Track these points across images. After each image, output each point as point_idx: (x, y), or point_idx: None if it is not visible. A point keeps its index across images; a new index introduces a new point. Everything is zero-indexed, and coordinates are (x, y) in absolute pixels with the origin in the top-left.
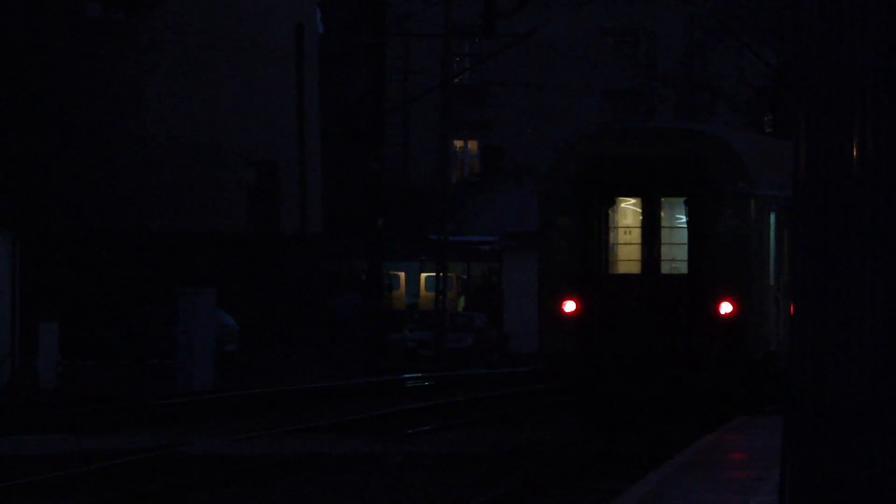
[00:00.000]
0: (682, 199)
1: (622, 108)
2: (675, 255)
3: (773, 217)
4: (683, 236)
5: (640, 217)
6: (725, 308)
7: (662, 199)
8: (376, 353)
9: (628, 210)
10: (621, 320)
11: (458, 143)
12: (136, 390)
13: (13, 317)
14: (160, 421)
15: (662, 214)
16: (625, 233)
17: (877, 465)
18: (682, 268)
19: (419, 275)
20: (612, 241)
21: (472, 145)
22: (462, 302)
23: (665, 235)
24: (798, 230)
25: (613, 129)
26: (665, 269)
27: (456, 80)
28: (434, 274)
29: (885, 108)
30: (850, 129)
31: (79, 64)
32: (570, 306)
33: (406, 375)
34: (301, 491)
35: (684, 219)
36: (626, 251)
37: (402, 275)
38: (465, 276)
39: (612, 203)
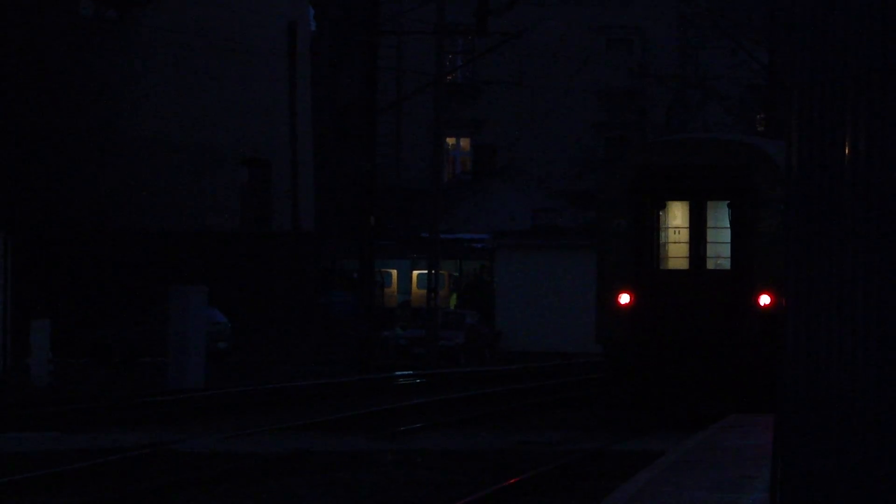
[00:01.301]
0: (725, 203)
1: (615, 106)
2: (720, 252)
3: None
4: (727, 236)
5: (688, 218)
6: (764, 300)
7: (708, 203)
8: (368, 351)
9: (677, 212)
10: (671, 311)
11: (451, 141)
12: (128, 388)
13: (5, 315)
14: (152, 419)
15: (708, 216)
16: (674, 232)
17: (867, 463)
18: (726, 264)
19: (411, 272)
20: (662, 240)
21: (465, 143)
22: (454, 299)
23: (710, 235)
24: (790, 229)
25: (664, 140)
26: (710, 265)
27: (448, 78)
28: (426, 271)
29: (877, 107)
30: (842, 128)
31: (71, 62)
32: (624, 299)
33: (398, 373)
34: (293, 489)
35: (727, 220)
36: (676, 249)
37: (394, 272)
38: (456, 274)
39: (662, 206)
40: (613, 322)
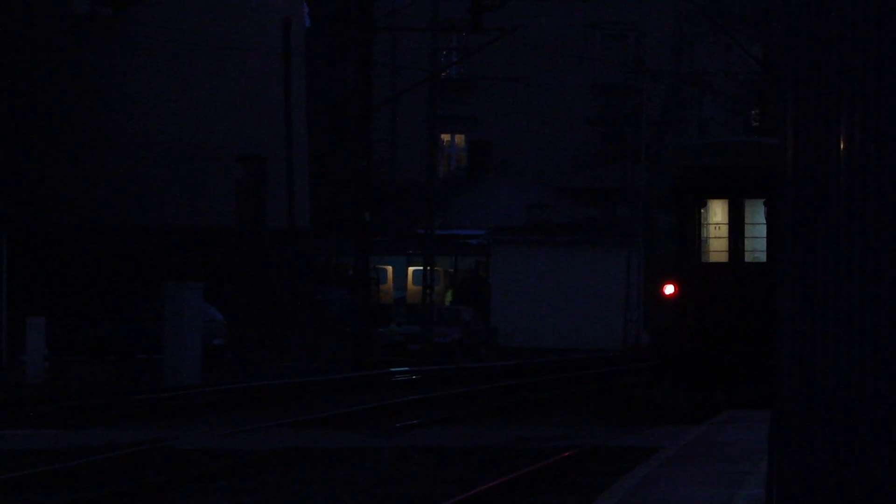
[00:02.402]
0: (762, 201)
1: (610, 102)
2: (756, 246)
3: None
4: (763, 231)
5: (727, 215)
6: None
7: (745, 201)
8: (364, 347)
9: (717, 209)
10: (712, 300)
11: (446, 138)
12: (124, 385)
13: (0, 312)
14: (148, 416)
15: (745, 213)
16: (715, 228)
17: (864, 458)
18: (762, 257)
19: (407, 269)
20: (704, 235)
21: (460, 140)
22: (449, 296)
23: (748, 230)
24: (785, 223)
25: (705, 143)
26: (748, 258)
27: (443, 74)
28: (421, 268)
29: (872, 102)
30: (836, 124)
31: (66, 59)
32: (669, 289)
33: (394, 369)
34: (289, 485)
35: (763, 216)
36: (716, 243)
37: (390, 269)
38: (452, 270)
39: (704, 204)
40: (660, 311)
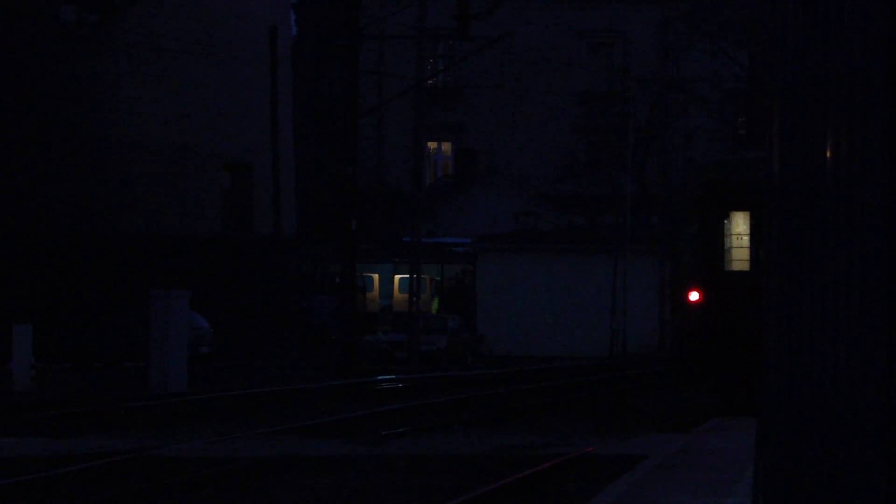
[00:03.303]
0: None
1: (596, 110)
2: None
3: None
4: None
5: (749, 226)
6: None
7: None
8: (350, 355)
9: (739, 220)
10: (734, 307)
11: (432, 146)
12: (110, 393)
13: None
14: (134, 424)
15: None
16: (737, 238)
17: (851, 467)
18: None
19: (393, 276)
20: (727, 245)
21: (446, 147)
22: (436, 304)
23: None
24: (771, 232)
25: (727, 159)
26: None
27: (430, 82)
28: (408, 276)
29: (859, 109)
30: (823, 131)
31: (52, 67)
32: (694, 296)
33: (380, 377)
34: (275, 493)
35: None
36: (738, 253)
37: (376, 276)
38: (438, 278)
39: (726, 216)
40: (685, 316)
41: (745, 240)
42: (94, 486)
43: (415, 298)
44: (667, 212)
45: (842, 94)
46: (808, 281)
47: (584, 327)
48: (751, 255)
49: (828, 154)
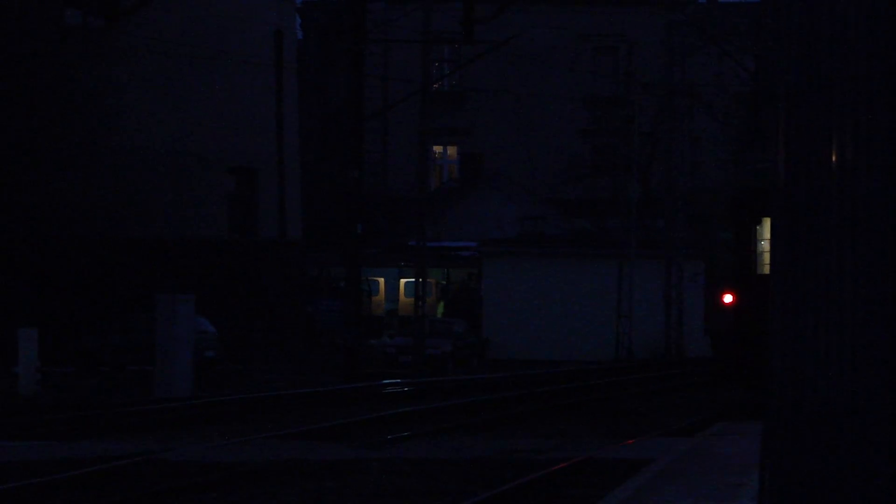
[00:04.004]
0: None
1: (601, 114)
2: None
3: None
4: None
5: None
6: None
7: None
8: (355, 359)
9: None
10: (765, 308)
11: (438, 150)
12: (116, 397)
13: None
14: (140, 428)
15: None
16: (768, 243)
17: (857, 471)
18: None
19: (398, 281)
20: (759, 249)
21: (452, 151)
22: (441, 308)
23: None
24: (776, 237)
25: (759, 167)
26: None
27: (435, 86)
28: (413, 280)
29: (863, 113)
30: (828, 135)
31: (57, 71)
32: (728, 298)
33: (385, 381)
34: (280, 497)
35: None
36: (769, 257)
37: (382, 281)
38: (444, 282)
39: (759, 221)
40: (719, 317)
41: None
42: (100, 490)
43: (420, 302)
44: (675, 216)
45: (846, 98)
46: (813, 285)
47: (589, 331)
48: None
49: (833, 157)
